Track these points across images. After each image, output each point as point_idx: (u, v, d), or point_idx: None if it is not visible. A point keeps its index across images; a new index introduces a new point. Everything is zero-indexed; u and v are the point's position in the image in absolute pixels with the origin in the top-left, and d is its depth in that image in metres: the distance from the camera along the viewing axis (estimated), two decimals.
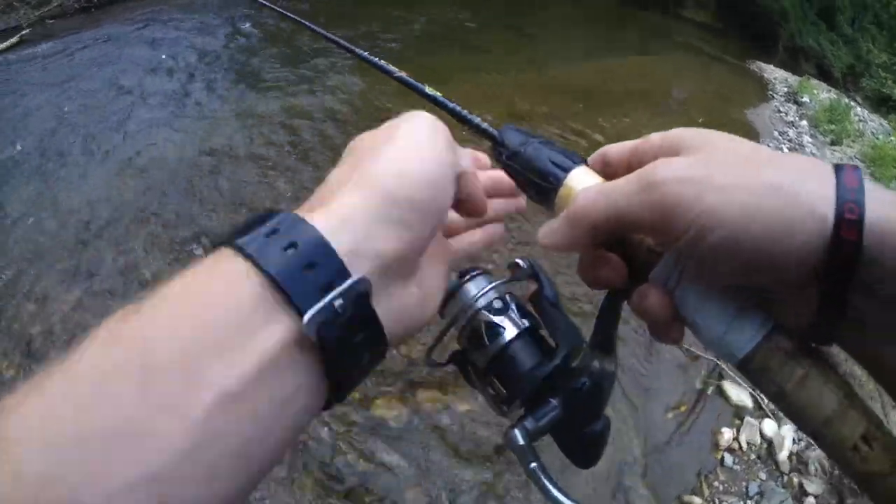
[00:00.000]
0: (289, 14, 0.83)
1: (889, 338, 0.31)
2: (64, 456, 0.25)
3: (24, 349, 2.64)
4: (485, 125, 0.47)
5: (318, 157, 3.89)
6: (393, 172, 0.35)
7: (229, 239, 0.31)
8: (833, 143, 6.62)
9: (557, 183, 0.40)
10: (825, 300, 0.32)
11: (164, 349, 0.28)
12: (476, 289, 0.46)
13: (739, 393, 2.76)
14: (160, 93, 5.01)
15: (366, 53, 0.57)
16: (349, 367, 0.32)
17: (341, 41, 0.62)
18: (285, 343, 0.29)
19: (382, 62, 0.55)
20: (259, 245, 0.30)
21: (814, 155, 5.66)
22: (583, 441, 0.44)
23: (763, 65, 9.42)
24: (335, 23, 6.84)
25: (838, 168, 0.32)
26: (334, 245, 0.31)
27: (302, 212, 0.33)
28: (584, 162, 0.41)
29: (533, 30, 8.24)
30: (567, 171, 0.40)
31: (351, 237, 0.32)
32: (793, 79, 9.01)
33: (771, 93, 8.01)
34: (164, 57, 5.82)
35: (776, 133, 6.31)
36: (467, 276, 0.47)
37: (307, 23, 0.74)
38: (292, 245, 0.30)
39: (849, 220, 0.30)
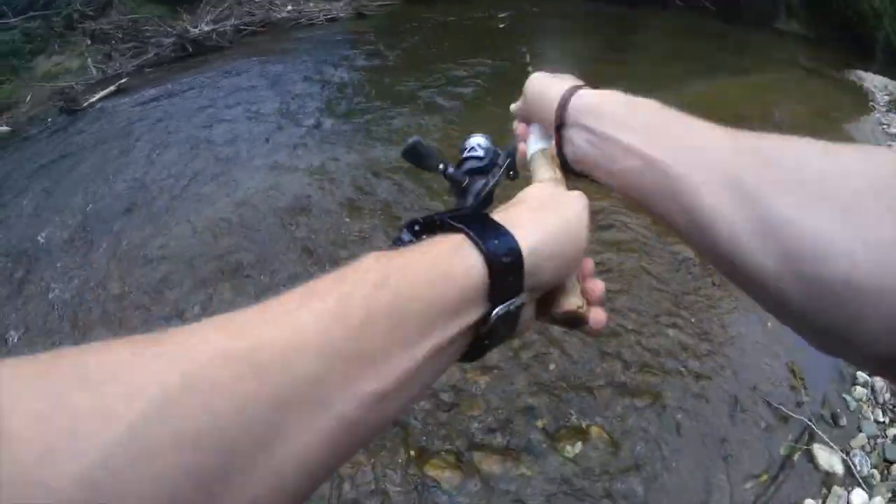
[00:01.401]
0: None
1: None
2: (324, 364, 0.32)
3: None
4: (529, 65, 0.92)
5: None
6: (563, 230, 0.51)
7: (471, 231, 0.44)
8: None
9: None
10: (556, 129, 0.64)
11: (416, 295, 0.38)
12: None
13: (830, 458, 2.58)
14: (248, 140, 5.27)
15: None
16: (491, 346, 0.47)
17: None
18: (476, 321, 0.43)
19: None
20: (490, 247, 0.43)
21: None
22: (466, 198, 0.85)
23: (863, 73, 9.05)
24: (427, 62, 7.05)
25: (578, 86, 0.65)
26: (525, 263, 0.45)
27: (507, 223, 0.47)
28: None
29: (628, 56, 8.31)
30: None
31: (532, 262, 0.45)
32: (893, 85, 8.57)
33: (872, 103, 7.71)
34: (251, 105, 6.09)
35: None
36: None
37: None
38: (509, 253, 0.44)
39: (569, 90, 0.63)
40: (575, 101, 0.63)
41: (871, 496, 2.47)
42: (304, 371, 0.31)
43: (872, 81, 8.77)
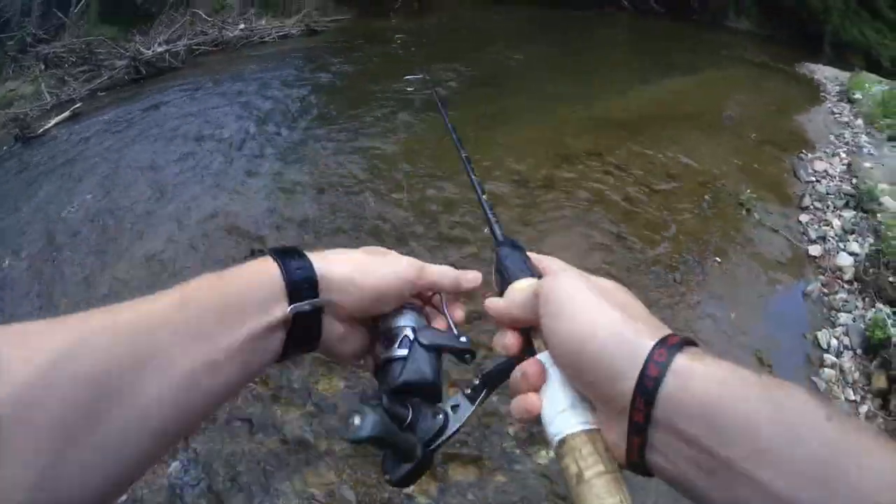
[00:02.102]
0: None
1: (694, 472, 0.40)
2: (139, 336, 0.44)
3: None
4: (496, 231, 0.71)
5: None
6: (367, 270, 0.59)
7: (274, 253, 0.56)
8: (891, 139, 6.25)
9: (508, 281, 0.61)
10: (632, 428, 0.43)
11: (236, 295, 0.51)
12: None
13: None
14: (199, 164, 5.26)
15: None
16: (301, 344, 0.56)
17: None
18: (281, 318, 0.53)
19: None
20: (288, 265, 0.54)
21: (871, 155, 5.65)
22: (406, 460, 0.54)
23: (812, 66, 9.23)
24: (384, 73, 7.04)
25: (663, 340, 0.44)
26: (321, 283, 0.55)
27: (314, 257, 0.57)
28: (532, 275, 0.60)
29: (583, 60, 8.40)
30: (516, 278, 0.60)
31: (327, 280, 0.56)
32: (843, 75, 8.77)
33: (823, 94, 7.87)
34: (205, 126, 6.09)
35: (832, 137, 6.20)
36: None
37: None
38: (303, 269, 0.55)
39: (654, 361, 0.42)
40: (675, 387, 0.41)
41: None
42: (159, 339, 0.45)
43: (823, 73, 8.96)
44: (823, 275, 3.90)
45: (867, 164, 5.39)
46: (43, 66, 8.78)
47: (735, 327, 3.26)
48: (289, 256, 0.56)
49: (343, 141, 5.47)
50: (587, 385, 0.47)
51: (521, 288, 0.58)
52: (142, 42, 9.03)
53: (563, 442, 0.46)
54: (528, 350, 0.56)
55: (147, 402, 0.43)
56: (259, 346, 0.52)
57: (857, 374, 3.08)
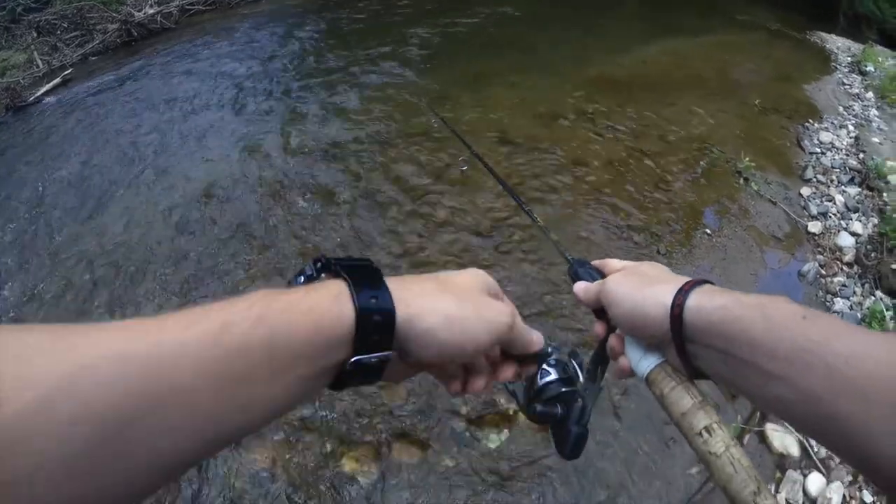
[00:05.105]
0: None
1: (726, 375, 0.55)
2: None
3: None
4: (566, 255, 0.85)
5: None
6: (457, 321, 0.52)
7: (350, 278, 0.48)
8: None
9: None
10: (678, 350, 0.59)
11: (288, 335, 0.42)
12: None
13: (784, 439, 2.34)
14: (190, 124, 5.16)
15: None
16: (353, 384, 0.49)
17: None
18: (339, 361, 0.46)
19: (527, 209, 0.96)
20: (364, 303, 0.46)
21: (881, 130, 5.43)
22: (568, 438, 0.68)
23: (825, 35, 8.95)
24: (382, 27, 7.00)
25: (688, 281, 0.60)
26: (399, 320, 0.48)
27: (399, 288, 0.50)
28: (599, 277, 0.75)
29: (594, 19, 8.16)
30: (594, 279, 0.75)
31: (406, 330, 0.48)
32: (856, 47, 8.52)
33: (834, 64, 7.57)
34: (195, 92, 5.96)
35: (841, 108, 5.95)
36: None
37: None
38: (382, 314, 0.46)
39: (676, 305, 0.58)
40: (692, 318, 0.57)
41: (828, 480, 2.22)
42: (180, 380, 0.37)
43: (835, 43, 8.67)
44: (822, 254, 3.62)
45: (875, 140, 5.16)
46: (35, 34, 8.51)
47: None
48: (366, 286, 0.48)
49: (338, 100, 5.29)
50: (646, 338, 0.65)
51: (595, 290, 0.72)
52: (133, 4, 8.71)
53: (647, 379, 0.64)
54: (611, 328, 0.72)
55: (158, 446, 0.36)
56: (306, 388, 0.45)
57: None
